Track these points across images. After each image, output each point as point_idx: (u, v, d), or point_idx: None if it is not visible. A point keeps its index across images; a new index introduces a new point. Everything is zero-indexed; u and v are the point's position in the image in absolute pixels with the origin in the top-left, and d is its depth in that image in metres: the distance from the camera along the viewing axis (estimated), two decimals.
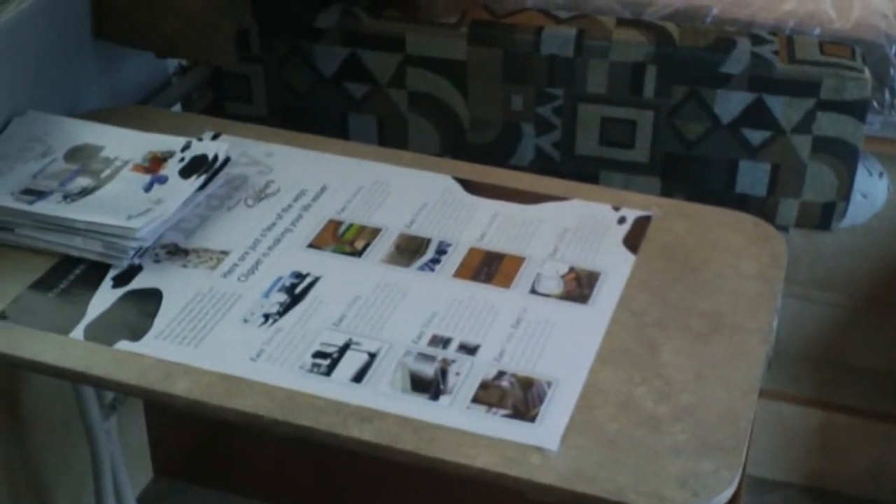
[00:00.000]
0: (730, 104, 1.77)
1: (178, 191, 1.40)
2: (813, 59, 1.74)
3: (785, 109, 1.75)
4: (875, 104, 1.88)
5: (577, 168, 1.90)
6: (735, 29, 1.85)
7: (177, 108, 1.92)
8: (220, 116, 1.83)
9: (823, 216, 1.84)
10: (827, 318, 2.36)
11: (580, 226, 1.39)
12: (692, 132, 1.81)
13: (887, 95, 1.88)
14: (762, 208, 1.84)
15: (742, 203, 1.84)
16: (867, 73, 1.73)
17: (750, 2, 1.93)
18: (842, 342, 2.37)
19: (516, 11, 1.89)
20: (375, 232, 1.38)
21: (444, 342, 1.17)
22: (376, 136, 1.98)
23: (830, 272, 2.32)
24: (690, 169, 1.85)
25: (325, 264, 1.31)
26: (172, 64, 1.92)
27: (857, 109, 1.73)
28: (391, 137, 1.97)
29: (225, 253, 1.33)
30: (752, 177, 1.82)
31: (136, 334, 1.19)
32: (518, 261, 1.32)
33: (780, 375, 2.23)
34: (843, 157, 1.78)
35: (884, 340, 2.33)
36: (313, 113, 1.99)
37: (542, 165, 1.91)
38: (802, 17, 1.89)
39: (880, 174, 2.10)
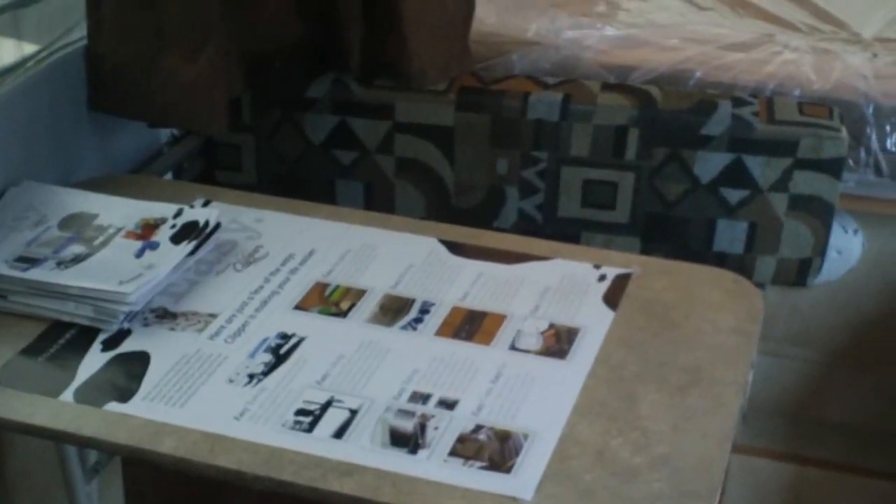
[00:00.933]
0: (709, 165, 1.81)
1: (169, 256, 1.43)
2: (792, 120, 1.78)
3: (763, 169, 1.79)
4: (851, 162, 1.92)
5: (560, 230, 1.93)
6: (717, 91, 1.90)
7: (168, 176, 1.96)
8: (211, 185, 1.86)
9: (800, 273, 1.88)
10: (802, 374, 2.37)
11: (561, 284, 1.42)
12: (672, 193, 1.85)
13: (863, 154, 1.92)
14: (740, 266, 1.87)
15: (720, 261, 1.87)
16: (844, 133, 1.77)
17: (732, 65, 1.98)
18: (816, 397, 2.38)
19: (505, 78, 1.94)
20: (361, 293, 1.41)
21: (424, 398, 1.19)
22: (363, 201, 2.01)
23: (806, 328, 2.33)
24: (670, 228, 1.88)
25: (311, 325, 1.34)
26: (165, 133, 1.96)
27: (834, 168, 1.77)
28: (378, 202, 2.00)
29: (213, 316, 1.36)
30: (730, 235, 1.86)
31: (125, 396, 1.21)
32: (499, 318, 1.35)
33: (754, 430, 2.23)
34: (819, 214, 1.81)
35: (858, 395, 2.34)
36: (302, 180, 2.03)
37: (526, 228, 1.94)
38: (783, 79, 1.93)
39: (855, 231, 2.14)
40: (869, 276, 2.23)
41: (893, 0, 2.40)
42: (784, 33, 2.19)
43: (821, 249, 1.86)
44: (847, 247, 2.18)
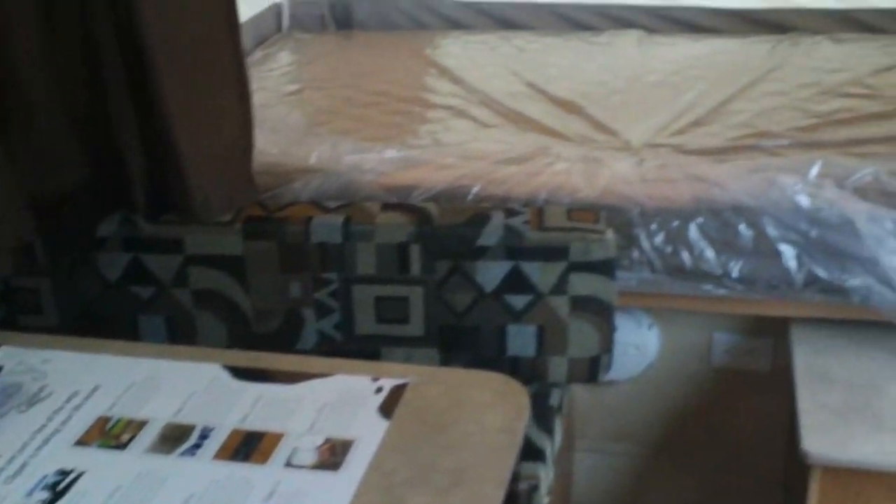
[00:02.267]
0: (490, 274, 1.89)
1: None
2: (561, 226, 1.88)
3: (540, 274, 1.87)
4: (626, 262, 2.03)
5: (360, 347, 1.98)
6: (491, 204, 1.99)
7: None
8: (13, 330, 1.87)
9: (591, 370, 1.96)
10: (622, 469, 2.46)
11: (339, 399, 1.47)
12: (460, 303, 1.92)
13: (636, 254, 2.03)
14: (534, 368, 1.95)
15: (515, 365, 1.94)
16: (610, 235, 1.87)
17: (507, 178, 2.09)
18: (639, 490, 2.47)
19: (289, 205, 2.00)
20: (142, 424, 1.44)
21: None
22: (166, 335, 2.04)
23: (620, 423, 2.43)
24: (464, 338, 1.95)
25: (91, 459, 1.36)
26: None
27: (605, 269, 1.87)
28: (180, 334, 2.03)
29: None
30: (521, 339, 1.93)
31: None
32: (277, 437, 1.39)
33: None
34: (600, 313, 1.90)
35: (677, 485, 2.44)
36: (104, 318, 2.04)
37: (327, 348, 1.99)
38: (553, 188, 2.04)
39: (650, 326, 2.25)
40: (669, 368, 2.35)
41: (665, 109, 2.57)
42: (559, 144, 2.32)
43: (607, 346, 1.94)
44: (644, 342, 2.30)
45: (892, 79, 2.81)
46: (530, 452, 1.82)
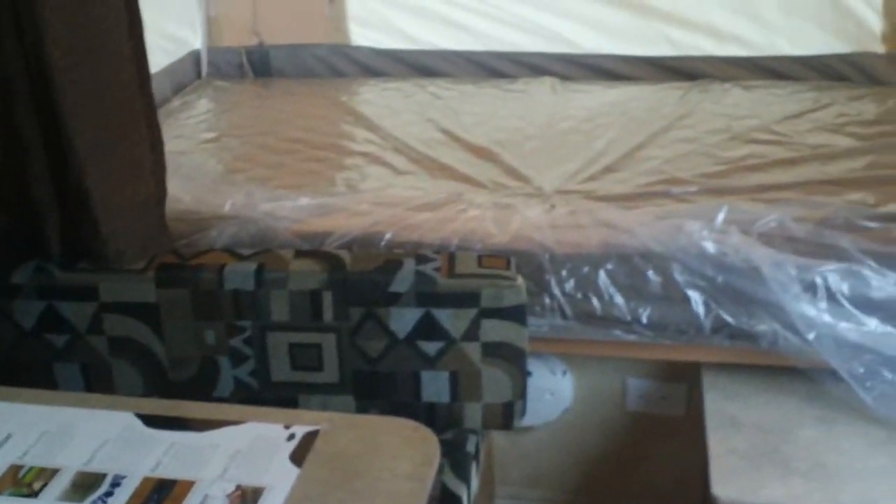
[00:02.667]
0: (403, 320, 1.91)
1: None
2: (471, 273, 1.91)
3: (452, 320, 1.90)
4: (538, 308, 2.06)
5: (277, 394, 1.99)
6: (404, 251, 2.01)
7: None
8: None
9: (505, 416, 1.98)
10: None
11: (251, 446, 1.48)
12: (374, 350, 1.93)
13: (547, 300, 2.06)
14: (450, 414, 1.97)
15: (431, 411, 1.96)
16: (521, 281, 1.90)
17: (420, 224, 2.11)
18: None
19: (203, 252, 2.01)
20: (54, 472, 1.43)
21: None
22: (83, 383, 2.03)
23: (537, 469, 2.45)
24: (378, 384, 1.96)
25: None
26: None
27: (517, 315, 1.89)
28: (97, 382, 2.02)
29: None
30: (435, 385, 1.95)
31: None
32: (188, 485, 1.40)
33: None
34: (512, 359, 1.92)
35: None
36: (20, 366, 2.03)
37: (244, 395, 1.99)
38: (465, 234, 2.07)
39: (564, 372, 2.28)
40: (585, 413, 2.37)
41: (578, 156, 2.62)
42: (472, 191, 2.35)
43: (521, 392, 1.96)
44: (559, 388, 2.32)
45: (800, 125, 2.89)
46: (447, 499, 1.84)
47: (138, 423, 1.55)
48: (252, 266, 1.92)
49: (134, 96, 1.85)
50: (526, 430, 2.39)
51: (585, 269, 2.06)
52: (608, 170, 2.55)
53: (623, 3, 3.46)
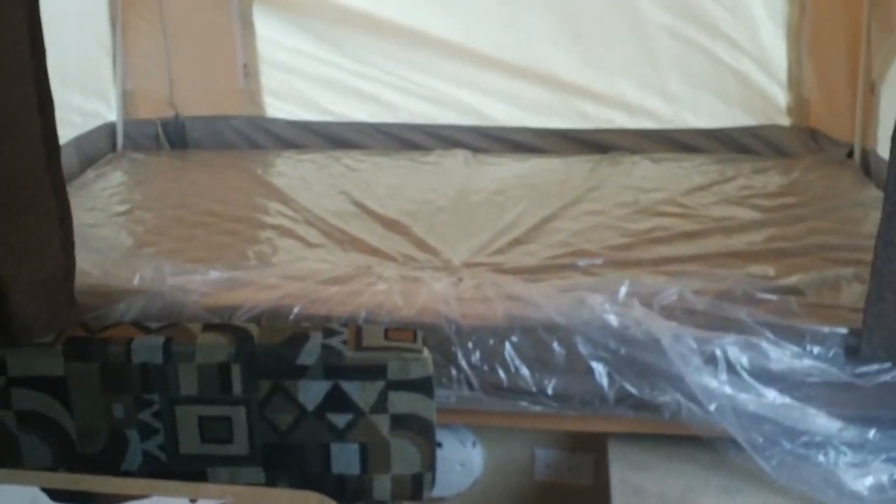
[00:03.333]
0: (311, 393, 1.92)
1: None
2: (378, 345, 1.93)
3: (360, 393, 1.91)
4: (444, 380, 2.09)
5: (186, 467, 1.98)
6: (311, 324, 2.03)
7: None
8: None
9: (415, 487, 1.99)
10: None
11: None
12: (283, 422, 1.94)
13: (454, 371, 2.09)
14: (359, 486, 1.98)
15: (341, 482, 1.97)
16: (426, 354, 1.92)
17: (328, 298, 2.14)
18: None
19: (111, 326, 2.01)
20: None
21: None
22: None
23: None
24: (288, 456, 1.97)
25: None
26: None
27: (424, 387, 1.91)
28: (4, 456, 1.99)
29: None
30: (345, 457, 1.96)
31: None
32: None
33: None
34: (421, 431, 1.94)
35: None
36: None
37: (153, 468, 1.98)
38: (373, 308, 2.10)
39: (473, 443, 2.30)
40: (495, 484, 2.39)
41: (487, 229, 2.66)
42: (381, 264, 2.39)
43: (430, 464, 1.98)
44: (469, 458, 2.34)
45: (705, 198, 2.96)
46: None
47: (44, 497, 1.55)
48: (160, 340, 1.93)
49: (42, 171, 1.86)
50: (436, 501, 2.40)
51: (491, 342, 2.09)
52: (517, 242, 2.59)
53: (535, 77, 3.53)
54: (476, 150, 3.53)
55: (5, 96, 1.77)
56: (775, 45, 3.38)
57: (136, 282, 2.15)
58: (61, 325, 1.97)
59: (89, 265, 2.17)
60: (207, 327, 1.98)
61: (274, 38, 3.58)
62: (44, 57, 1.84)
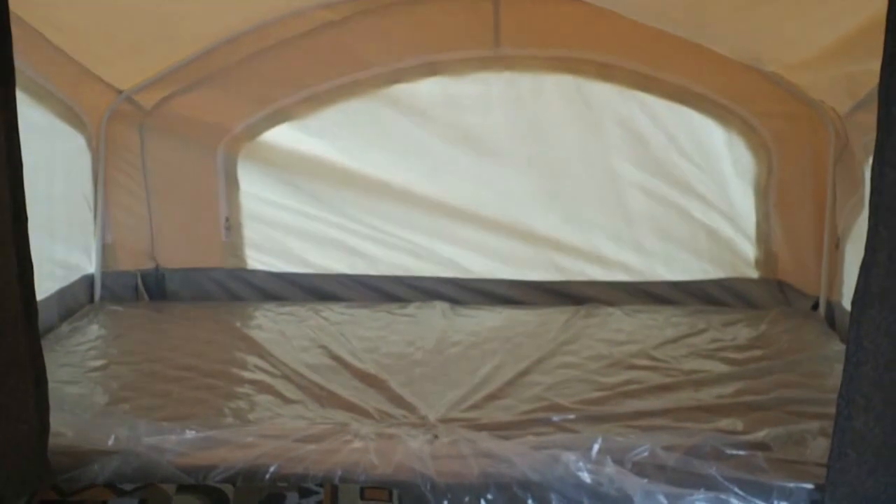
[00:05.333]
0: None
1: None
2: None
3: None
4: None
5: None
6: (287, 484, 2.04)
7: None
8: None
9: None
10: None
11: None
12: None
13: None
14: None
15: None
16: None
17: (305, 456, 2.15)
18: None
19: (84, 488, 2.01)
20: None
21: None
22: None
23: None
24: None
25: None
26: None
27: None
28: None
29: None
30: None
31: None
32: None
33: None
34: None
35: None
36: None
37: None
38: (349, 466, 2.11)
39: None
40: None
41: (463, 383, 2.69)
42: (358, 420, 2.40)
43: None
44: None
45: (676, 351, 3.01)
46: None
47: None
48: (133, 502, 1.94)
49: (20, 334, 1.88)
50: None
51: (466, 499, 2.09)
52: (492, 397, 2.62)
53: (513, 231, 3.62)
54: (454, 301, 3.59)
55: None
56: (744, 202, 3.49)
57: (110, 442, 2.15)
58: (33, 488, 1.97)
59: (63, 425, 2.17)
60: (182, 489, 1.99)
61: (256, 192, 3.66)
62: (25, 223, 1.89)
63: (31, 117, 3.04)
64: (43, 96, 3.12)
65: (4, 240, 1.81)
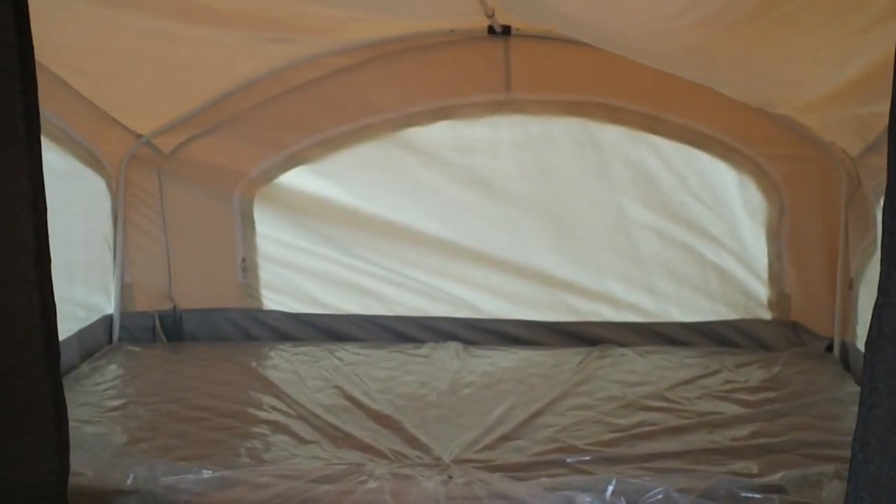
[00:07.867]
0: None
1: None
2: None
3: None
4: None
5: None
6: None
7: None
8: None
9: None
10: None
11: None
12: None
13: None
14: None
15: None
16: None
17: (319, 497, 2.21)
18: None
19: None
20: None
21: None
22: None
23: None
24: None
25: None
26: None
27: None
28: None
29: None
30: None
31: None
32: None
33: None
34: None
35: None
36: None
37: None
38: None
39: None
40: None
41: (477, 424, 2.70)
42: (373, 461, 2.42)
43: None
44: None
45: (690, 392, 3.02)
46: None
47: None
48: None
49: (41, 375, 1.90)
50: None
51: None
52: (506, 438, 2.63)
53: (526, 272, 3.65)
54: (468, 342, 3.61)
55: (8, 303, 1.83)
56: (756, 243, 3.51)
57: (128, 482, 2.17)
58: None
59: (82, 465, 2.19)
60: None
61: (272, 234, 3.70)
62: (48, 264, 1.91)
63: (52, 161, 3.07)
64: (63, 140, 3.17)
65: (27, 281, 1.83)
